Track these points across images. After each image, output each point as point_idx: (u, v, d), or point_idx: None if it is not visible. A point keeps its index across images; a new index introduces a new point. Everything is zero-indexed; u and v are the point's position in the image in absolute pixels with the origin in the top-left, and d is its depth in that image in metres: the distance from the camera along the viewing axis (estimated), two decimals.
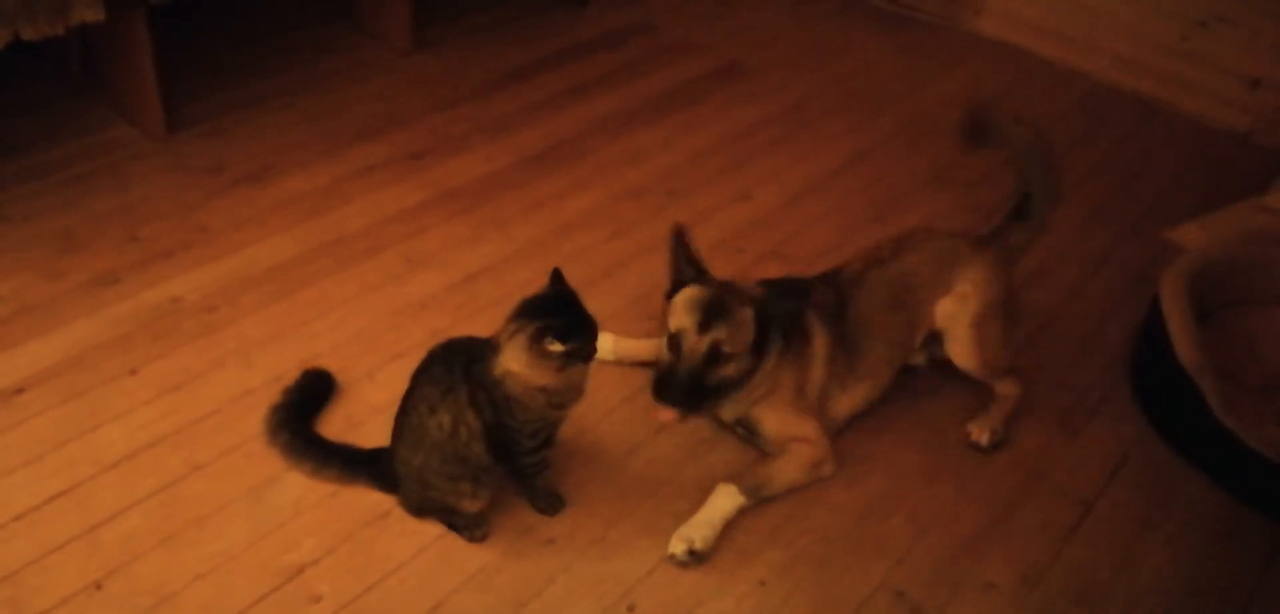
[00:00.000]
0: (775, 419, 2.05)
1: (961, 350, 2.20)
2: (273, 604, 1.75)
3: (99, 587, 1.74)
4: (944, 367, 2.28)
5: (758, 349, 1.95)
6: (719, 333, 1.89)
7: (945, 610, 1.86)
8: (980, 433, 2.20)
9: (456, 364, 1.74)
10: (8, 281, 2.34)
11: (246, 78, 3.22)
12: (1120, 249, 2.85)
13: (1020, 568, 1.95)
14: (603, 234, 2.72)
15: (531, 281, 2.47)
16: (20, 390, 2.08)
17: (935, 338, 2.25)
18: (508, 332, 1.70)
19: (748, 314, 1.92)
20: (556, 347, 1.66)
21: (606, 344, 2.25)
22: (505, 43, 3.61)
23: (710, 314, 1.90)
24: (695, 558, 1.88)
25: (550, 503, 1.95)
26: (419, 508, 1.88)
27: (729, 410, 2.08)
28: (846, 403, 2.14)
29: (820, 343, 2.08)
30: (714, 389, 1.95)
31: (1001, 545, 1.99)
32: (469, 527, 1.87)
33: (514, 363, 1.69)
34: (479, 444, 1.75)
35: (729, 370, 1.94)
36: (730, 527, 1.96)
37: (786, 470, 2.03)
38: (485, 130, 3.11)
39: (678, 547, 1.88)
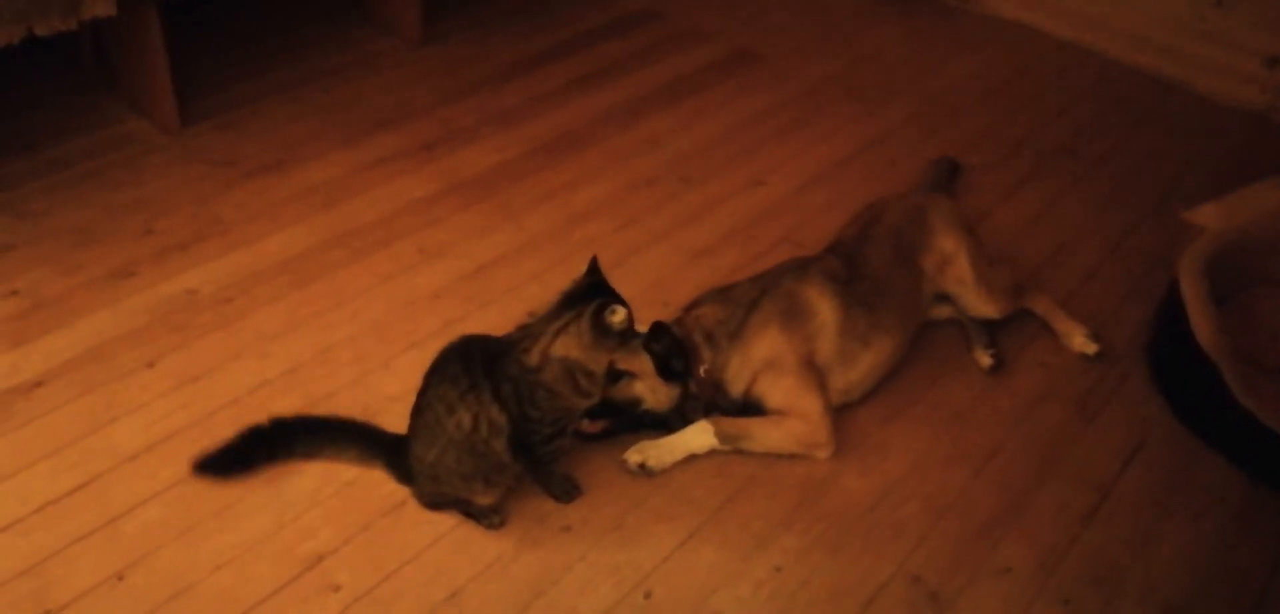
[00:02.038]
0: (779, 392, 2.07)
1: (981, 303, 2.34)
2: (292, 593, 1.76)
3: (120, 578, 1.75)
4: (958, 325, 2.28)
5: (670, 376, 2.03)
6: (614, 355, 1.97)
7: (961, 596, 1.85)
8: (1085, 344, 2.36)
9: (476, 362, 1.75)
10: (25, 276, 2.36)
11: (258, 71, 3.23)
12: (1137, 231, 2.83)
13: (1037, 553, 1.94)
14: (614, 223, 2.72)
15: (543, 271, 2.50)
16: (39, 384, 2.10)
17: (945, 299, 2.37)
18: (560, 323, 1.75)
19: (637, 345, 2.02)
20: (619, 315, 1.72)
21: None
22: (514, 33, 3.60)
23: None
24: (645, 471, 2.01)
25: (566, 490, 1.95)
26: (433, 503, 1.89)
27: (734, 384, 2.09)
28: (871, 359, 2.18)
29: (827, 311, 2.13)
30: (630, 406, 2.04)
31: (1018, 530, 1.98)
32: (486, 515, 1.88)
33: (571, 349, 1.74)
34: (500, 441, 1.76)
35: (637, 389, 2.03)
36: (746, 512, 1.96)
37: (771, 435, 2.06)
38: (496, 121, 3.11)
39: (634, 457, 2.01)
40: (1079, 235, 2.79)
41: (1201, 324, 2.18)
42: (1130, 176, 3.07)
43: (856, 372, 2.16)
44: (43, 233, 2.50)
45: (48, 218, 2.55)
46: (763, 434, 2.06)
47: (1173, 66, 3.59)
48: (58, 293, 2.32)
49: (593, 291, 1.78)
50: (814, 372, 2.09)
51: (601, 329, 1.74)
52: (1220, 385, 2.11)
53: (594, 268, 1.83)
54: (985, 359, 2.33)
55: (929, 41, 3.79)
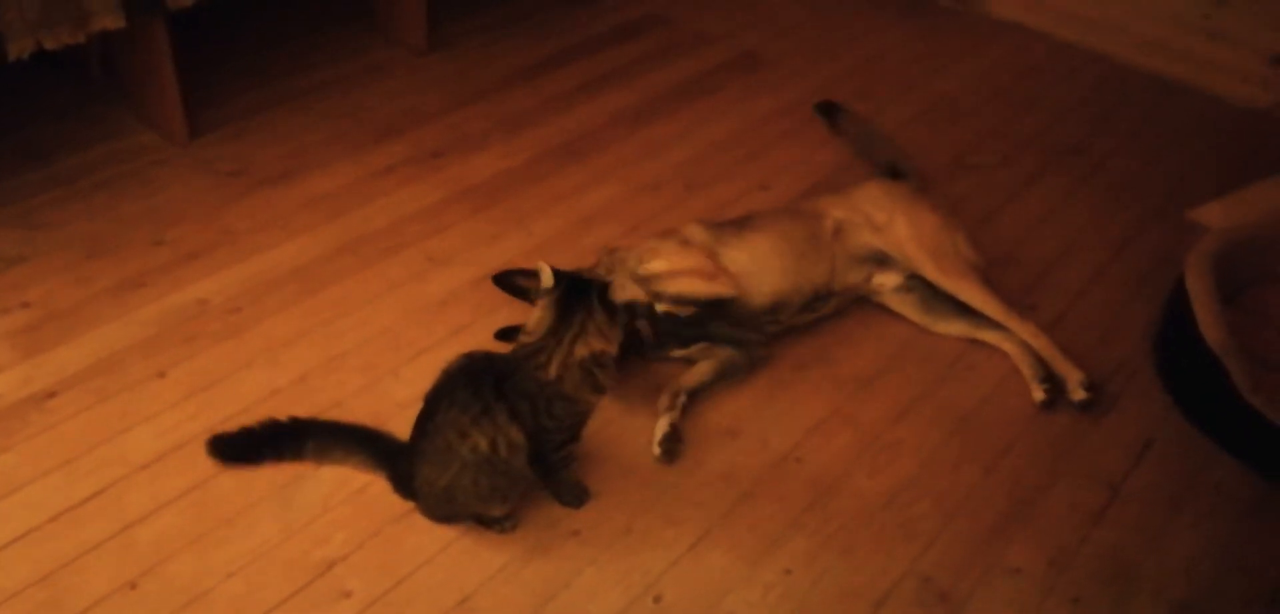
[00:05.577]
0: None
1: (921, 263, 2.40)
2: (303, 601, 1.77)
3: (133, 586, 1.77)
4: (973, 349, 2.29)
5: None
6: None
7: (972, 596, 1.86)
8: (1076, 392, 2.24)
9: (485, 384, 1.74)
10: (38, 287, 2.38)
11: (266, 81, 3.25)
12: (1143, 231, 2.83)
13: (1047, 552, 1.94)
14: (621, 227, 2.73)
15: None
16: (52, 394, 2.11)
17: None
18: (572, 329, 1.76)
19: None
20: (627, 291, 1.82)
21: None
22: (520, 39, 3.62)
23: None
24: (673, 436, 2.09)
25: (576, 496, 1.96)
26: (446, 519, 1.89)
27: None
28: (750, 243, 2.41)
29: (697, 230, 2.40)
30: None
31: (1028, 530, 1.98)
32: (498, 520, 1.88)
33: (593, 345, 1.77)
34: (520, 457, 1.77)
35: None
36: (756, 513, 1.97)
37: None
38: (503, 127, 3.12)
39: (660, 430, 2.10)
40: (1085, 235, 2.79)
41: (1208, 322, 2.18)
42: (1136, 176, 3.07)
43: (740, 252, 2.32)
44: (54, 244, 2.51)
45: (59, 230, 2.56)
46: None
47: (1177, 66, 3.59)
48: (70, 304, 2.34)
49: (577, 289, 1.80)
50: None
51: (611, 308, 1.79)
52: (1227, 383, 2.11)
53: (559, 276, 1.82)
54: (1038, 393, 2.24)
55: (933, 44, 3.80)
